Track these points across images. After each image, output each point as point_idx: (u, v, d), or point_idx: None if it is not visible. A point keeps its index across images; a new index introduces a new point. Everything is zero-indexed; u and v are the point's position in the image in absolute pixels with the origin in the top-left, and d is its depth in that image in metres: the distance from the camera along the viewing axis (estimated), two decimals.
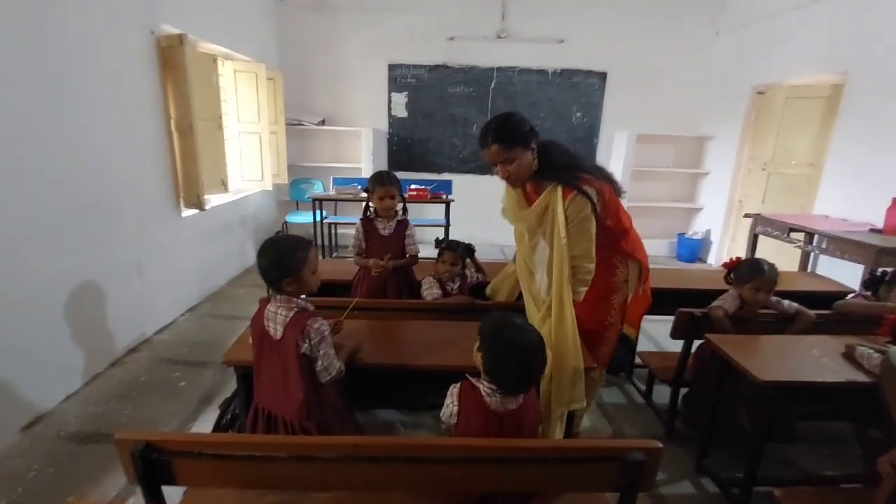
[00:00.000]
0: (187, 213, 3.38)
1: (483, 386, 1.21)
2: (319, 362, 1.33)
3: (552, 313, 1.58)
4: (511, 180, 1.68)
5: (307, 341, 1.31)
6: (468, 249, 2.25)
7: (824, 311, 2.02)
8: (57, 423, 2.11)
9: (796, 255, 3.70)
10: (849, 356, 1.64)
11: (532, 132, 1.61)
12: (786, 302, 2.01)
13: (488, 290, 2.23)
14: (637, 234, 1.83)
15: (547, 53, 5.18)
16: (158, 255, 3.08)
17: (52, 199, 2.21)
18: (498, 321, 1.23)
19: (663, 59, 5.22)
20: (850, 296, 2.20)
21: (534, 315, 1.67)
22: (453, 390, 1.25)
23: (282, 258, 1.31)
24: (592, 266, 1.61)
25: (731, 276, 2.07)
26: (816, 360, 1.64)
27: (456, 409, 1.21)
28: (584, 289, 1.63)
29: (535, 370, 1.17)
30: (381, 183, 2.18)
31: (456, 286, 2.22)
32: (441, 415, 1.30)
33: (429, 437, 1.26)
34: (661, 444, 1.04)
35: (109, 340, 2.64)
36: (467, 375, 1.26)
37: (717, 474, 1.85)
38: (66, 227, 2.30)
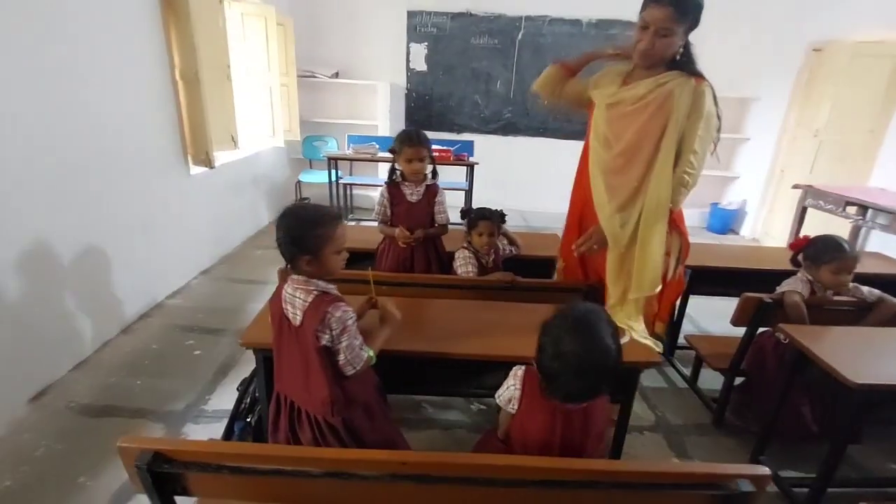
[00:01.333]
0: (196, 170, 3.17)
1: None
2: (342, 356, 1.14)
3: (644, 215, 1.52)
4: (648, 55, 1.47)
5: (328, 332, 1.11)
6: (501, 216, 2.02)
7: None
8: (66, 393, 2.00)
9: (844, 231, 3.44)
10: None
11: (700, 20, 1.46)
12: (865, 288, 1.79)
13: None
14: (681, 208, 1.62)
15: (581, 0, 4.71)
16: (167, 214, 2.90)
17: (48, 153, 2.00)
18: (560, 326, 1.02)
19: (710, 8, 4.70)
20: None
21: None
22: (518, 372, 1.11)
23: (301, 232, 1.10)
24: (699, 170, 1.52)
25: (801, 257, 1.84)
26: None
27: (519, 393, 1.08)
28: (681, 197, 1.54)
29: (602, 383, 1.00)
30: (411, 143, 1.93)
31: (491, 259, 2.02)
32: (498, 396, 1.17)
33: (485, 454, 1.11)
34: (769, 471, 0.86)
35: (118, 305, 2.50)
36: (534, 362, 1.09)
37: (776, 473, 1.70)
38: (65, 184, 2.10)
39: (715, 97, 1.50)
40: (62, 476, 1.59)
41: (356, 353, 1.16)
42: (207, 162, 3.15)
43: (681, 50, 1.47)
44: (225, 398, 2.03)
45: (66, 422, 1.85)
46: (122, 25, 2.43)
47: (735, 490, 0.84)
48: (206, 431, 1.85)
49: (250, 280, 3.27)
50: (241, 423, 1.53)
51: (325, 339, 1.12)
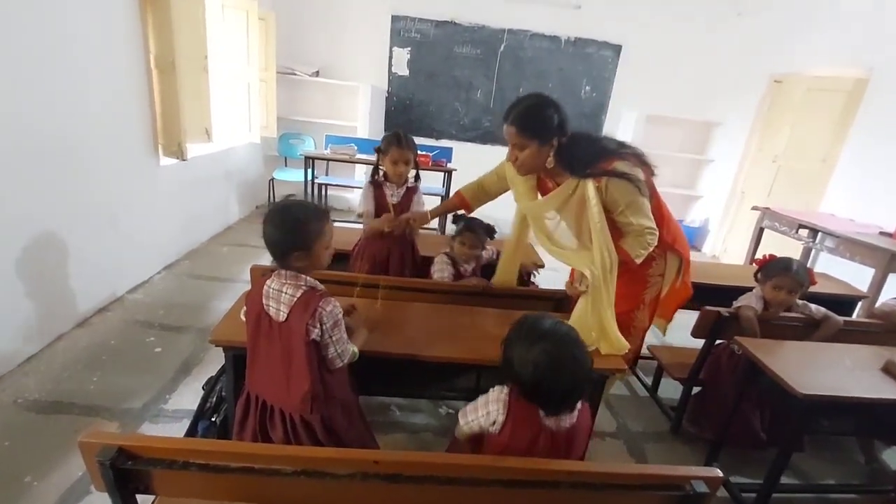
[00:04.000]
0: (166, 161, 3.07)
1: None
2: (332, 349, 1.17)
3: (590, 294, 1.47)
4: (516, 166, 1.56)
5: (318, 326, 1.13)
6: (489, 230, 2.05)
7: (849, 317, 1.95)
8: (14, 389, 1.90)
9: (796, 252, 3.66)
10: (892, 373, 1.54)
11: (558, 128, 1.47)
12: (813, 306, 1.92)
13: (496, 281, 1.96)
14: (677, 224, 1.68)
15: (562, 19, 4.86)
16: (133, 205, 2.79)
17: (9, 133, 1.91)
18: (517, 347, 1.03)
19: (680, 36, 4.96)
20: (886, 300, 2.12)
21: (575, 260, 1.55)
22: (500, 395, 1.07)
23: (294, 228, 1.12)
24: (656, 233, 1.53)
25: (759, 274, 1.96)
26: (850, 371, 1.55)
27: (503, 417, 1.05)
28: (645, 252, 1.54)
29: (582, 379, 1.01)
30: (399, 145, 1.95)
31: (470, 267, 2.04)
32: (472, 421, 1.12)
33: (464, 454, 1.10)
34: (721, 474, 0.92)
35: (74, 298, 2.39)
36: (510, 380, 1.09)
37: (727, 479, 1.78)
38: (24, 169, 2.00)
39: (624, 173, 1.47)
40: (7, 474, 1.51)
41: (345, 347, 1.19)
42: (179, 154, 3.06)
43: (551, 159, 1.49)
44: (186, 398, 1.97)
45: (14, 418, 1.75)
46: (97, 7, 2.34)
47: (690, 491, 0.89)
48: (164, 431, 1.79)
49: (215, 277, 3.19)
50: (206, 423, 1.49)
51: (314, 334, 1.13)
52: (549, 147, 1.48)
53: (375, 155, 2.07)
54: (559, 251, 1.59)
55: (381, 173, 2.06)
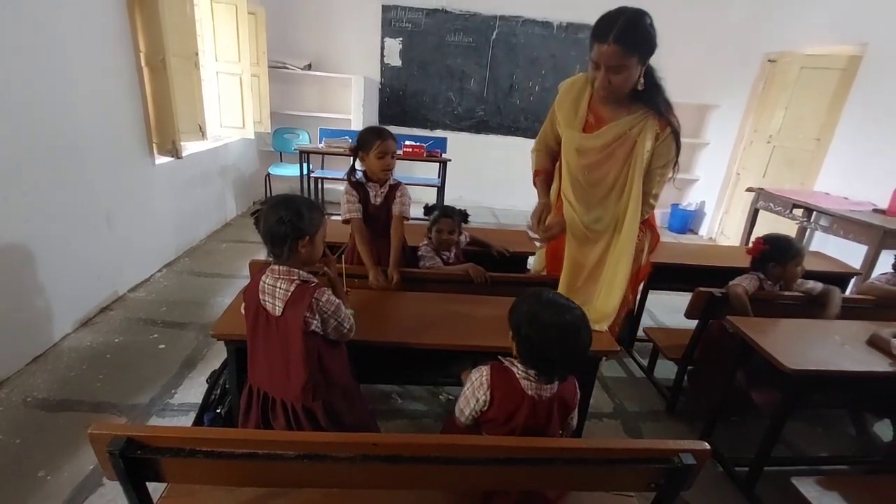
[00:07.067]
0: (161, 160, 3.08)
1: (518, 368, 1.10)
2: (344, 326, 1.23)
3: (618, 241, 1.55)
4: (607, 91, 1.43)
5: (317, 317, 1.17)
6: (463, 215, 2.08)
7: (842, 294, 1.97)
8: (23, 388, 1.93)
9: (791, 230, 3.68)
10: (877, 345, 1.58)
11: (655, 46, 1.39)
12: (810, 282, 1.95)
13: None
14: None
15: (554, 3, 4.83)
16: (130, 205, 2.81)
17: (2, 136, 1.92)
18: (531, 304, 1.09)
19: (673, 17, 4.91)
20: (875, 276, 2.15)
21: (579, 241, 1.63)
22: (483, 380, 1.11)
23: (301, 216, 1.16)
24: (653, 209, 1.62)
25: (762, 260, 1.94)
26: (839, 346, 1.58)
27: (488, 398, 1.09)
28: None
29: (580, 352, 1.06)
30: (383, 137, 1.82)
31: (452, 254, 2.06)
32: (463, 408, 1.15)
33: (457, 435, 1.14)
34: (708, 446, 0.95)
35: (78, 297, 2.42)
36: (499, 357, 1.14)
37: (721, 454, 1.83)
38: (20, 172, 2.01)
39: (677, 139, 1.48)
40: (21, 470, 1.55)
41: (348, 319, 1.25)
42: (174, 152, 3.07)
43: (642, 80, 1.42)
44: (191, 392, 2.01)
45: (24, 416, 1.79)
46: (84, 6, 2.33)
47: (679, 464, 0.92)
48: (171, 424, 1.82)
49: (215, 274, 3.21)
50: (211, 414, 1.53)
51: (314, 325, 1.17)
52: (643, 69, 1.40)
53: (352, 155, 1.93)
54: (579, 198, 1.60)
55: (360, 173, 1.90)
